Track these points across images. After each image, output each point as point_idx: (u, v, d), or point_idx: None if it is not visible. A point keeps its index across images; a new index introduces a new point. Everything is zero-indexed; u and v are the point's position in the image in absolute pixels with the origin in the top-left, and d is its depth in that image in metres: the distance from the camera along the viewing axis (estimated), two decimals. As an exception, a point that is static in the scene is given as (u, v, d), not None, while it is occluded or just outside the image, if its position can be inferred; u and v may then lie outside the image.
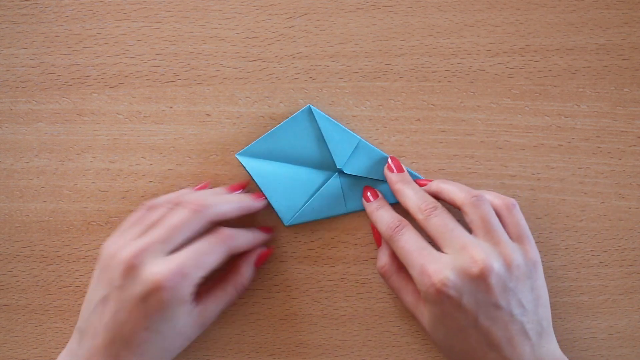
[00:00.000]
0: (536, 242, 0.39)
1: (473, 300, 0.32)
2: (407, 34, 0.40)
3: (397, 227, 0.36)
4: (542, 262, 0.39)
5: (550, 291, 0.39)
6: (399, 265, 0.37)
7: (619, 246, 0.39)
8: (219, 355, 0.39)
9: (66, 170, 0.40)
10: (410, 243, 0.35)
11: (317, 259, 0.40)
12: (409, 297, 0.36)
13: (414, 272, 0.34)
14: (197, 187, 0.39)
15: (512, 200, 0.36)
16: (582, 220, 0.39)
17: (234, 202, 0.36)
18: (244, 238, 0.36)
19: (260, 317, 0.39)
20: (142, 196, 0.40)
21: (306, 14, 0.40)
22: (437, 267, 0.33)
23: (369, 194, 0.39)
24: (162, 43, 0.40)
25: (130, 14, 0.40)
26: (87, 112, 0.40)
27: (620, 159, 0.40)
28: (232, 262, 0.37)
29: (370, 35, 0.40)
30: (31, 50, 0.40)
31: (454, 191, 0.36)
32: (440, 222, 0.35)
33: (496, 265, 0.33)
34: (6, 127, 0.40)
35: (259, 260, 0.38)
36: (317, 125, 0.39)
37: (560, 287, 0.39)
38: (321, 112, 0.39)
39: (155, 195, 0.40)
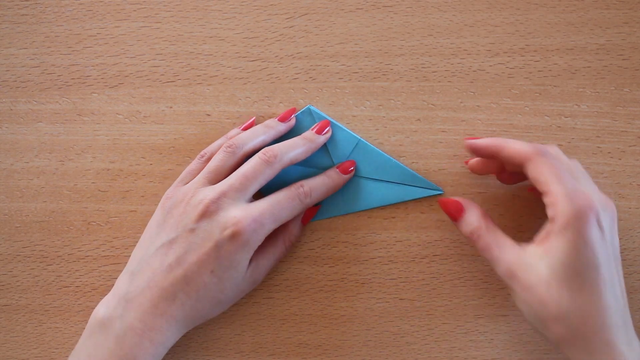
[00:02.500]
0: (536, 242, 0.39)
1: (611, 237, 0.31)
2: (407, 34, 0.40)
3: (546, 147, 0.33)
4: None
5: (550, 291, 0.39)
6: (492, 223, 0.35)
7: (619, 246, 0.39)
8: (219, 355, 0.39)
9: (66, 170, 0.40)
10: (561, 162, 0.33)
11: (317, 259, 0.40)
12: (509, 253, 0.32)
13: (565, 190, 0.31)
14: (243, 127, 0.39)
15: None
16: (582, 220, 0.39)
17: (301, 146, 0.37)
18: (319, 193, 0.37)
19: (260, 317, 0.39)
20: (142, 196, 0.40)
21: (306, 14, 0.40)
22: (591, 194, 0.31)
23: (467, 139, 0.36)
24: (162, 43, 0.40)
25: (130, 14, 0.40)
26: (87, 112, 0.40)
27: (620, 159, 0.40)
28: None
29: (370, 35, 0.40)
30: (31, 50, 0.40)
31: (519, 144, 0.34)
32: (566, 157, 0.34)
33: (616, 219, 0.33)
34: (6, 127, 0.40)
35: (305, 217, 0.39)
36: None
37: (560, 287, 0.39)
38: (321, 112, 0.39)
39: (155, 195, 0.40)
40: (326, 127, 0.38)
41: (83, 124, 0.40)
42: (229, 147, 0.36)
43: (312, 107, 0.39)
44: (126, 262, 0.36)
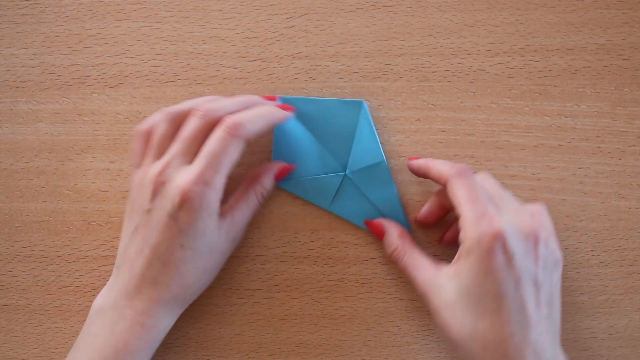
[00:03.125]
0: (536, 242, 0.39)
1: (521, 262, 0.30)
2: (407, 34, 0.40)
3: (469, 168, 0.33)
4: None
5: (550, 291, 0.39)
6: (410, 242, 0.36)
7: (619, 246, 0.39)
8: (219, 355, 0.39)
9: (66, 170, 0.40)
10: (478, 186, 0.32)
11: (317, 259, 0.40)
12: (424, 274, 0.34)
13: (474, 214, 0.31)
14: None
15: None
16: (582, 220, 0.39)
17: (259, 110, 0.35)
18: (254, 122, 0.34)
19: (260, 317, 0.39)
20: (142, 196, 0.40)
21: (306, 14, 0.40)
22: (502, 219, 0.31)
23: (413, 159, 0.37)
24: (162, 43, 0.40)
25: (130, 14, 0.40)
26: (87, 112, 0.40)
27: (620, 159, 0.40)
28: (252, 172, 0.38)
29: (370, 35, 0.40)
30: (31, 50, 0.40)
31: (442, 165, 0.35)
32: (494, 183, 0.34)
33: (544, 239, 0.32)
34: (6, 127, 0.40)
35: (279, 174, 0.38)
36: (358, 122, 0.39)
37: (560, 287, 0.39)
38: (369, 114, 0.39)
39: (155, 195, 0.40)
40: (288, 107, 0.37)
41: (83, 124, 0.40)
42: (202, 114, 0.34)
43: (364, 104, 0.39)
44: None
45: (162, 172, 0.33)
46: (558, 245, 0.34)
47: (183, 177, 0.32)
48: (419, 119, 0.40)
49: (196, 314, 0.39)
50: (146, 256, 0.33)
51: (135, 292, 0.33)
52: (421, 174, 0.36)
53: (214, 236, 0.34)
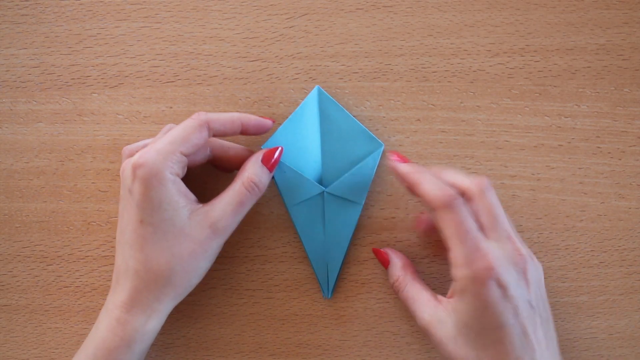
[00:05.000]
0: (536, 242, 0.39)
1: (516, 292, 0.30)
2: (407, 34, 0.40)
3: (458, 198, 0.31)
4: (542, 262, 0.39)
5: (550, 291, 0.39)
6: (413, 274, 0.36)
7: (619, 246, 0.39)
8: (219, 355, 0.39)
9: (66, 170, 0.40)
10: (468, 220, 0.31)
11: (317, 259, 0.40)
12: (425, 306, 0.34)
13: (465, 251, 0.30)
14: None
15: (485, 181, 0.33)
16: (582, 220, 0.39)
17: (234, 113, 0.35)
18: (222, 117, 0.35)
19: (260, 317, 0.39)
20: (142, 196, 0.40)
21: (306, 14, 0.40)
22: (492, 252, 0.30)
23: (396, 155, 0.35)
24: (162, 43, 0.40)
25: (130, 14, 0.40)
26: (87, 112, 0.40)
27: (620, 159, 0.40)
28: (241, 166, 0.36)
29: (370, 35, 0.40)
30: (31, 50, 0.40)
31: (457, 178, 0.33)
32: (492, 201, 0.32)
33: (531, 263, 0.32)
34: (6, 127, 0.40)
35: (266, 157, 0.35)
36: (366, 158, 0.38)
37: (560, 287, 0.39)
38: (378, 160, 0.38)
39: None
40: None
41: (83, 124, 0.40)
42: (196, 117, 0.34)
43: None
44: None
45: (129, 159, 0.33)
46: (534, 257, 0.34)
47: (136, 155, 0.32)
48: (419, 119, 0.40)
49: (196, 314, 0.39)
50: (120, 240, 0.33)
51: (116, 283, 0.33)
52: (406, 185, 0.34)
53: (179, 217, 0.32)
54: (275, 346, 0.39)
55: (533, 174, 0.40)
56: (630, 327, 0.39)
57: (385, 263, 0.38)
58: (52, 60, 0.40)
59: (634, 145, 0.40)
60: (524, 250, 0.32)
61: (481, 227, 0.32)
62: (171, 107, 0.40)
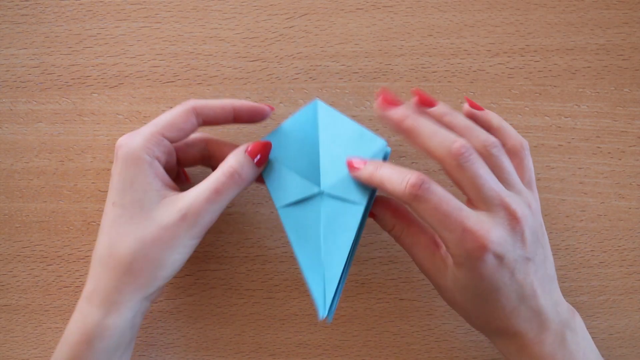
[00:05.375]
0: (536, 242, 0.39)
1: (512, 256, 0.30)
2: (407, 34, 0.40)
3: (422, 183, 0.29)
4: (542, 262, 0.39)
5: (550, 291, 0.39)
6: (407, 219, 0.34)
7: (619, 246, 0.39)
8: (219, 355, 0.39)
9: (66, 170, 0.40)
10: (443, 202, 0.29)
11: (317, 259, 0.40)
12: (423, 252, 0.33)
13: (453, 235, 0.29)
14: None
15: (524, 142, 0.34)
16: (582, 220, 0.39)
17: (226, 100, 0.34)
18: (212, 103, 0.33)
19: (260, 317, 0.39)
20: (142, 196, 0.40)
21: (306, 14, 0.40)
22: (482, 227, 0.29)
23: (354, 161, 0.32)
24: (162, 43, 0.40)
25: (130, 14, 0.40)
26: (87, 112, 0.40)
27: (620, 159, 0.40)
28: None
29: (370, 35, 0.40)
30: (31, 50, 0.40)
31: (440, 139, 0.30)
32: (476, 170, 0.30)
33: (530, 218, 0.31)
34: (6, 127, 0.40)
35: (252, 149, 0.32)
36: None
37: (560, 287, 0.39)
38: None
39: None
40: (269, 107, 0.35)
41: (83, 124, 0.40)
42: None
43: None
44: None
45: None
46: (536, 190, 0.33)
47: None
48: (419, 119, 0.40)
49: (196, 314, 0.39)
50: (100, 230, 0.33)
51: (92, 262, 0.32)
52: (399, 132, 0.32)
53: (148, 197, 0.31)
54: (275, 346, 0.39)
55: (533, 174, 0.40)
56: (630, 327, 0.39)
57: (371, 215, 0.35)
58: (52, 60, 0.40)
59: (634, 145, 0.40)
60: (520, 207, 0.30)
61: (470, 201, 0.31)
62: (171, 107, 0.40)
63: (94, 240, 0.40)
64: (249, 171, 0.32)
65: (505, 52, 0.40)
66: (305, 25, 0.40)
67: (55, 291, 0.40)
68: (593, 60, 0.40)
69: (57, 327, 0.40)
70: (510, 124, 0.40)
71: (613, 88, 0.40)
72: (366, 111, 0.40)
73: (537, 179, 0.40)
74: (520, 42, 0.40)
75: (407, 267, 0.39)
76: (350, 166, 0.32)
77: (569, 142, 0.40)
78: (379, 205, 0.34)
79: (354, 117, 0.40)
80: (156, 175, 0.32)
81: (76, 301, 0.40)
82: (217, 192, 0.31)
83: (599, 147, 0.40)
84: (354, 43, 0.40)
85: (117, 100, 0.40)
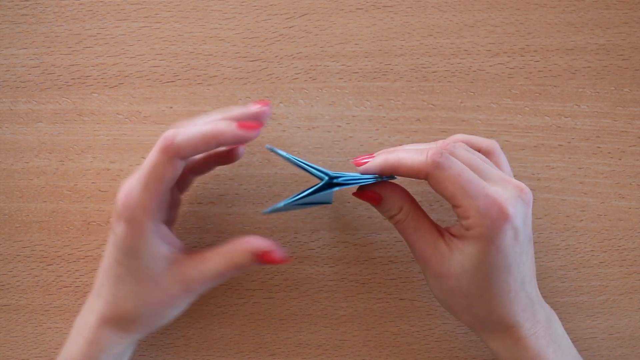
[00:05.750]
0: (536, 242, 0.39)
1: (523, 233, 0.30)
2: (407, 34, 0.40)
3: (443, 152, 0.30)
4: (542, 262, 0.39)
5: (550, 291, 0.39)
6: (414, 203, 0.33)
7: (619, 246, 0.39)
8: (219, 355, 0.39)
9: (66, 170, 0.40)
10: (464, 170, 0.30)
11: (317, 259, 0.40)
12: (426, 237, 0.32)
13: (476, 202, 0.29)
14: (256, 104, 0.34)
15: (494, 141, 0.35)
16: (582, 220, 0.39)
17: (202, 126, 0.31)
18: (189, 137, 0.30)
19: (260, 317, 0.39)
20: (142, 196, 0.40)
21: (306, 14, 0.40)
22: (501, 196, 0.30)
23: (360, 158, 0.33)
24: (162, 43, 0.40)
25: (130, 14, 0.40)
26: (87, 112, 0.40)
27: (620, 159, 0.40)
28: (240, 240, 0.33)
29: (370, 35, 0.40)
30: (31, 50, 0.40)
31: (413, 156, 0.30)
32: (464, 161, 0.31)
33: (531, 196, 0.32)
34: (6, 127, 0.40)
35: (263, 256, 0.32)
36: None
37: (560, 287, 0.39)
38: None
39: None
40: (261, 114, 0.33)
41: (83, 124, 0.40)
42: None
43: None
44: None
45: (123, 184, 0.32)
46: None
47: (123, 189, 0.31)
48: (419, 119, 0.40)
49: (196, 314, 0.39)
50: (99, 270, 0.34)
51: (89, 303, 0.34)
52: (388, 172, 0.32)
53: (157, 266, 0.32)
54: (275, 346, 0.39)
55: (533, 174, 0.40)
56: (630, 327, 0.39)
57: (376, 199, 0.33)
58: (52, 60, 0.40)
59: (634, 145, 0.40)
60: (522, 183, 0.32)
61: None
62: (171, 107, 0.40)
63: (94, 240, 0.40)
64: (251, 266, 0.33)
65: (505, 52, 0.40)
66: (305, 25, 0.40)
67: (55, 291, 0.40)
68: (593, 60, 0.40)
69: (57, 327, 0.40)
70: (510, 124, 0.40)
71: (613, 88, 0.40)
72: (366, 111, 0.40)
73: (537, 179, 0.40)
74: (520, 42, 0.40)
75: (407, 267, 0.39)
76: (358, 164, 0.33)
77: (569, 142, 0.40)
78: (386, 187, 0.33)
79: (354, 117, 0.40)
80: (162, 240, 0.32)
81: (76, 301, 0.40)
82: (220, 276, 0.33)
83: (599, 147, 0.40)
84: (354, 43, 0.40)
85: (117, 100, 0.40)
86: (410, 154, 0.31)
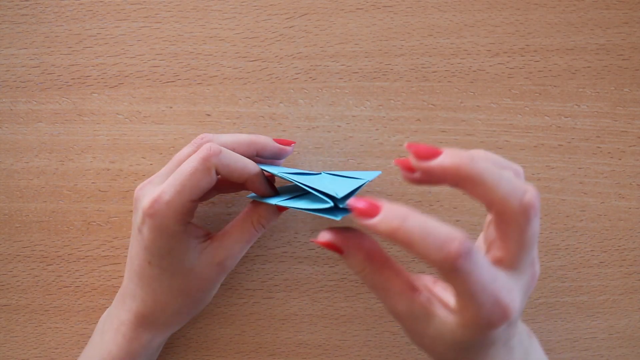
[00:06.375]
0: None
1: (518, 316, 0.27)
2: (407, 34, 0.40)
3: (468, 252, 0.23)
4: (542, 262, 0.39)
5: (550, 291, 0.39)
6: (380, 262, 0.27)
7: (619, 246, 0.39)
8: (219, 355, 0.39)
9: (66, 170, 0.40)
10: (484, 272, 0.24)
11: (317, 259, 0.40)
12: (396, 297, 0.27)
13: (482, 307, 0.25)
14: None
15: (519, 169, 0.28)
16: (582, 220, 0.39)
17: (243, 135, 0.34)
18: (233, 155, 0.32)
19: (260, 317, 0.39)
20: (142, 196, 0.40)
21: (306, 14, 0.40)
22: (512, 299, 0.25)
23: (360, 205, 0.25)
24: (162, 43, 0.40)
25: (130, 14, 0.40)
26: (87, 112, 0.40)
27: (620, 159, 0.40)
28: (253, 203, 0.35)
29: (370, 35, 0.40)
30: (31, 50, 0.40)
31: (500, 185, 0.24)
32: (537, 228, 0.26)
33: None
34: (6, 127, 0.40)
35: (280, 209, 0.35)
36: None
37: (560, 287, 0.39)
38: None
39: (155, 195, 0.40)
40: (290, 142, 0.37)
41: (83, 124, 0.40)
42: (197, 141, 0.34)
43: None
44: (126, 262, 0.36)
45: (142, 187, 0.33)
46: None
47: (150, 194, 0.32)
48: (419, 119, 0.40)
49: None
50: (127, 268, 0.34)
51: (122, 302, 0.35)
52: (452, 183, 0.25)
53: (189, 259, 0.33)
54: (275, 346, 0.39)
55: (533, 174, 0.40)
56: (630, 327, 0.39)
57: (338, 251, 0.27)
58: (52, 60, 0.40)
59: (634, 145, 0.40)
60: (539, 265, 0.29)
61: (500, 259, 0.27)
62: (171, 107, 0.40)
63: (94, 240, 0.40)
64: (274, 222, 0.36)
65: (505, 52, 0.40)
66: (305, 25, 0.40)
67: (55, 291, 0.40)
68: (593, 60, 0.40)
69: (57, 327, 0.40)
70: (510, 124, 0.40)
71: (613, 88, 0.40)
72: (366, 111, 0.40)
73: (537, 179, 0.40)
74: (520, 42, 0.40)
75: (407, 267, 0.39)
76: (357, 212, 0.25)
77: (569, 142, 0.40)
78: (349, 243, 0.27)
79: (354, 117, 0.40)
80: (190, 236, 0.33)
81: (76, 301, 0.40)
82: (248, 242, 0.35)
83: (599, 147, 0.40)
84: (354, 43, 0.40)
85: (117, 100, 0.40)
86: (426, 237, 0.23)
